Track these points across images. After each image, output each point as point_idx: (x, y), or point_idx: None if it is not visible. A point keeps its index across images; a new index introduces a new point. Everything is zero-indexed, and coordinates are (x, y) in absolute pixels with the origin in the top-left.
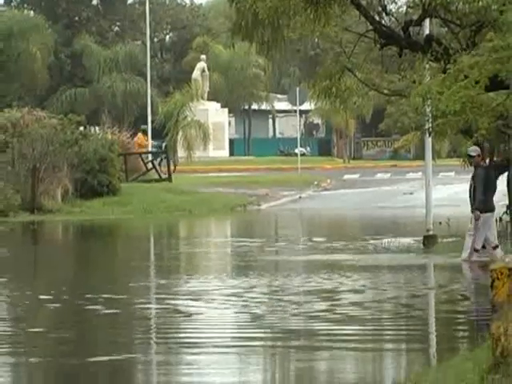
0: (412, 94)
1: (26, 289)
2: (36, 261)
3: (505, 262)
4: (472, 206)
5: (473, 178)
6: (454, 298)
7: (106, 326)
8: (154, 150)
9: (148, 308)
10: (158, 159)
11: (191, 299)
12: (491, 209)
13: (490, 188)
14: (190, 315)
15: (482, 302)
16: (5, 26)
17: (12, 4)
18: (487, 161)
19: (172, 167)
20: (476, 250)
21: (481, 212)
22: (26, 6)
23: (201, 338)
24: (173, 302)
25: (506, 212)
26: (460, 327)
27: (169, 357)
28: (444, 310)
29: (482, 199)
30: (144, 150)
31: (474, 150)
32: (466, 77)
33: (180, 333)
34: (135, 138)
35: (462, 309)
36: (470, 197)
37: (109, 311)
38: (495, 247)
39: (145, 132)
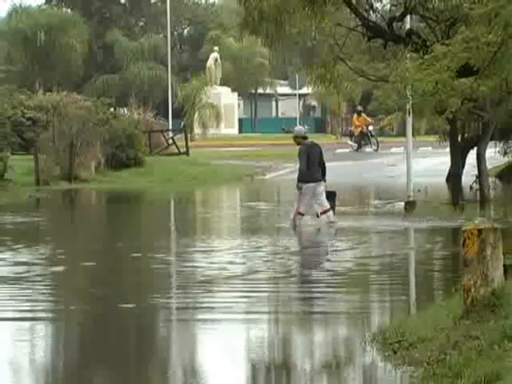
0: (392, 75)
1: (66, 246)
2: (74, 222)
3: (475, 223)
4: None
5: (298, 154)
6: (430, 255)
7: (137, 278)
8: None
9: (169, 261)
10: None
11: (208, 251)
12: (314, 180)
13: (314, 162)
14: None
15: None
16: (46, 22)
17: (52, 3)
18: (459, 137)
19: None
20: (300, 214)
21: (304, 182)
22: (63, 4)
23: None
24: (195, 254)
25: (475, 181)
26: (435, 280)
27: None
28: (422, 265)
29: (305, 172)
30: (359, 128)
31: (298, 131)
32: (440, 64)
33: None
34: (353, 119)
35: (436, 263)
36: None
37: (139, 266)
38: (301, 214)
39: (359, 113)
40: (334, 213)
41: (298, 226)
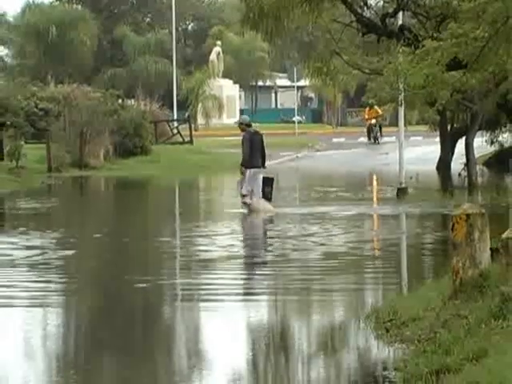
0: (386, 70)
1: (79, 227)
2: (85, 207)
3: (463, 208)
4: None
5: (242, 141)
6: (421, 239)
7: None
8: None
9: (172, 244)
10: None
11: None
12: (255, 166)
13: (255, 149)
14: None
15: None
16: (57, 18)
17: (63, 0)
18: (449, 127)
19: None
20: (244, 195)
21: (246, 168)
22: (74, 0)
23: None
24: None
25: (464, 169)
26: (426, 263)
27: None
28: (413, 248)
29: (247, 158)
30: (373, 119)
31: (243, 119)
32: (430, 58)
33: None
34: (368, 112)
35: (427, 246)
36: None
37: (145, 245)
38: (245, 195)
39: (371, 107)
40: (271, 198)
41: (250, 205)
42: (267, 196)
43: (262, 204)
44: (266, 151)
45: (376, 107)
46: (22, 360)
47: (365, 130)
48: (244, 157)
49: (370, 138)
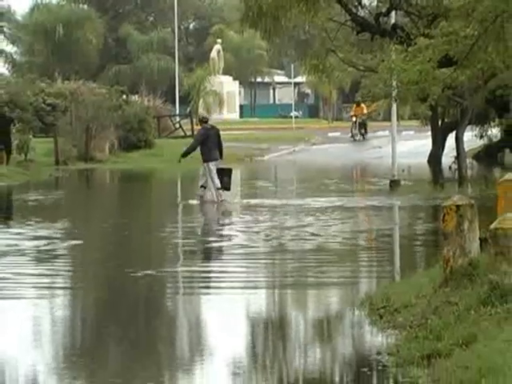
0: (379, 67)
1: (85, 217)
2: (91, 198)
3: (453, 200)
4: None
5: (195, 134)
6: (413, 229)
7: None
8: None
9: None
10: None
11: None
12: (213, 159)
13: (212, 143)
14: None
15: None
16: (65, 17)
17: (70, 0)
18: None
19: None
20: (219, 189)
21: (205, 161)
22: (80, 0)
23: None
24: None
25: (454, 162)
26: (417, 251)
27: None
28: (405, 238)
29: (205, 152)
30: (364, 116)
31: (200, 114)
32: (422, 55)
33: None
34: (366, 110)
35: (418, 236)
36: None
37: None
38: (219, 188)
39: (358, 104)
40: (230, 188)
41: (204, 198)
42: (226, 186)
43: (216, 195)
44: (222, 144)
45: (362, 105)
46: (34, 340)
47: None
48: (189, 148)
49: (353, 134)
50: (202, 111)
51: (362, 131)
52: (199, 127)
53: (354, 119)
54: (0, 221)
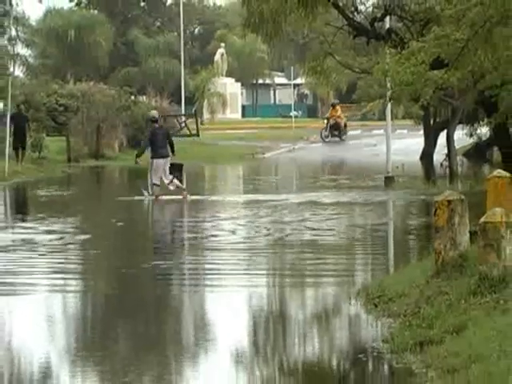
0: (374, 69)
1: (94, 215)
2: (101, 193)
3: (445, 195)
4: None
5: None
6: (406, 223)
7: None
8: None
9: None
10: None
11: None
12: (162, 156)
13: (161, 142)
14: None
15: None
16: (76, 22)
17: (81, 5)
18: (431, 121)
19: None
20: (156, 185)
21: (153, 158)
22: (91, 6)
23: None
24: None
25: (445, 159)
26: (411, 244)
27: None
28: (399, 231)
29: (152, 150)
30: (342, 119)
31: (155, 114)
32: (415, 58)
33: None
34: (338, 112)
35: (411, 230)
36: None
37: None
38: (158, 185)
39: (333, 106)
40: (182, 182)
41: (155, 194)
42: (179, 180)
43: (173, 185)
44: (173, 142)
45: (338, 107)
46: (49, 322)
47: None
48: (140, 150)
49: (323, 136)
50: (152, 112)
51: (336, 132)
52: (151, 128)
53: (325, 121)
54: (17, 215)
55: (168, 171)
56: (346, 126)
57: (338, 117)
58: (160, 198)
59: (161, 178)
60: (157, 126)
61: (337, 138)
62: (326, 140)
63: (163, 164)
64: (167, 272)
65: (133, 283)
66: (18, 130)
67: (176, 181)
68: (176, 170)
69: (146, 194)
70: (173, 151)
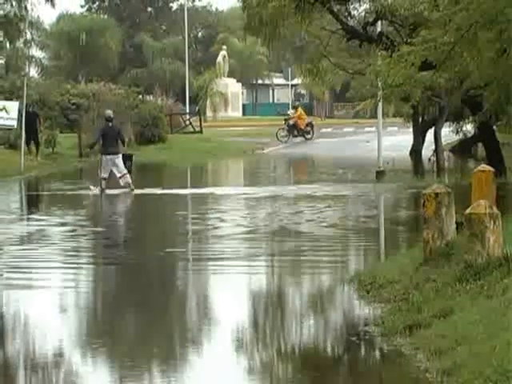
0: (367, 71)
1: (107, 201)
2: (111, 186)
3: (432, 188)
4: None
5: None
6: (396, 214)
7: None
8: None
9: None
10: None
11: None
12: (111, 153)
13: (111, 139)
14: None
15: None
16: (87, 26)
17: (92, 10)
18: (420, 119)
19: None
20: (104, 179)
21: (103, 154)
22: (101, 11)
23: None
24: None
25: (433, 155)
26: (400, 234)
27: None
28: (389, 222)
29: (102, 146)
30: (304, 121)
31: (110, 113)
32: (405, 60)
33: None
34: (298, 113)
35: (401, 221)
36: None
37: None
38: (104, 179)
39: (295, 108)
40: (131, 172)
41: (104, 190)
42: (128, 169)
43: (124, 179)
44: (124, 138)
45: (300, 109)
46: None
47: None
48: (93, 142)
49: (279, 136)
50: (108, 111)
51: (295, 133)
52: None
53: (284, 122)
54: (34, 206)
55: (121, 166)
56: (312, 126)
57: (299, 118)
58: (107, 191)
59: (111, 172)
60: (110, 124)
61: (302, 138)
62: (283, 140)
63: (111, 160)
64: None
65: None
66: (28, 126)
67: (128, 177)
68: (127, 159)
69: (92, 187)
70: (123, 143)
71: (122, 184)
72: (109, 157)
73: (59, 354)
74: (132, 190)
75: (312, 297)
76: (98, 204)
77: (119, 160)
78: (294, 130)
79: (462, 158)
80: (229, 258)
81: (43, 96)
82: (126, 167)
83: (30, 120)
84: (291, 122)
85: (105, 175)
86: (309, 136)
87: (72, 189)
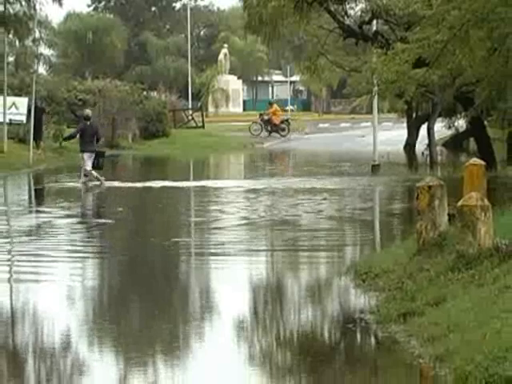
0: (363, 68)
1: (112, 199)
2: (118, 179)
3: (426, 181)
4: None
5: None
6: (391, 206)
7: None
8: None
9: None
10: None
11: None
12: (89, 150)
13: (89, 137)
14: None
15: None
16: (94, 25)
17: (98, 10)
18: (414, 114)
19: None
20: (85, 175)
21: (83, 151)
22: (107, 10)
23: None
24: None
25: (426, 149)
26: (395, 225)
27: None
28: (384, 214)
29: (81, 144)
30: (279, 117)
31: (88, 113)
32: (399, 58)
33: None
34: (272, 109)
35: (396, 212)
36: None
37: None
38: (86, 175)
39: (271, 104)
40: (102, 167)
41: (86, 183)
42: (100, 166)
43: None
44: (100, 136)
45: (275, 105)
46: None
47: (351, 116)
48: (67, 136)
49: (252, 130)
50: (87, 110)
51: (269, 128)
52: (80, 123)
53: (259, 116)
54: (41, 199)
55: (90, 164)
56: (289, 123)
57: (274, 114)
58: (106, 183)
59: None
60: (88, 123)
61: (277, 135)
62: (255, 134)
63: (90, 156)
64: None
65: None
66: (35, 121)
67: (94, 173)
68: (100, 156)
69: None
70: (97, 142)
71: (81, 179)
72: (88, 154)
73: (67, 341)
74: (91, 186)
75: (310, 286)
76: (101, 197)
77: (91, 158)
78: (268, 125)
79: (455, 152)
80: (229, 247)
81: (51, 92)
82: (98, 163)
83: (36, 115)
84: (265, 117)
85: (88, 167)
86: (284, 133)
87: (77, 181)
